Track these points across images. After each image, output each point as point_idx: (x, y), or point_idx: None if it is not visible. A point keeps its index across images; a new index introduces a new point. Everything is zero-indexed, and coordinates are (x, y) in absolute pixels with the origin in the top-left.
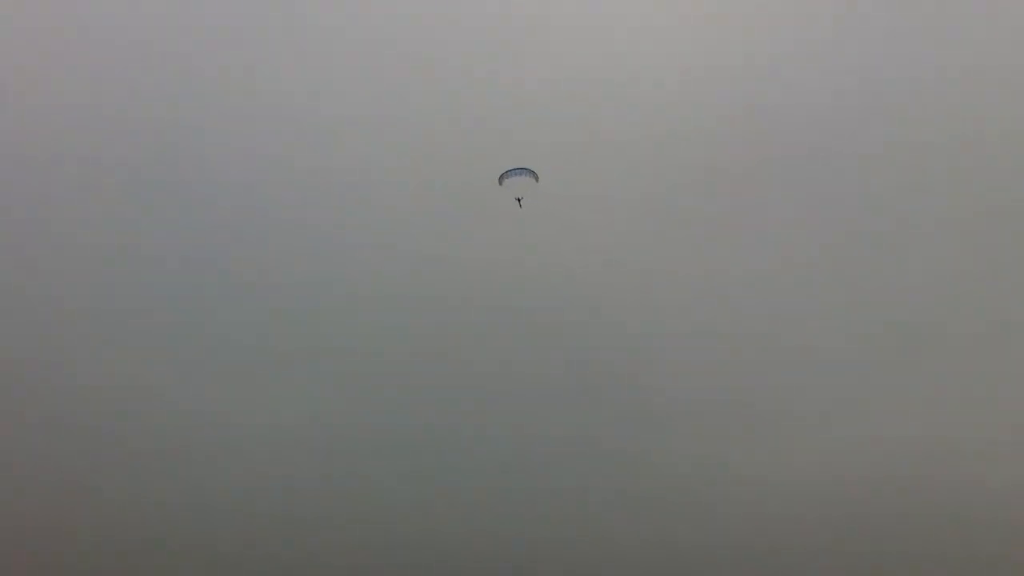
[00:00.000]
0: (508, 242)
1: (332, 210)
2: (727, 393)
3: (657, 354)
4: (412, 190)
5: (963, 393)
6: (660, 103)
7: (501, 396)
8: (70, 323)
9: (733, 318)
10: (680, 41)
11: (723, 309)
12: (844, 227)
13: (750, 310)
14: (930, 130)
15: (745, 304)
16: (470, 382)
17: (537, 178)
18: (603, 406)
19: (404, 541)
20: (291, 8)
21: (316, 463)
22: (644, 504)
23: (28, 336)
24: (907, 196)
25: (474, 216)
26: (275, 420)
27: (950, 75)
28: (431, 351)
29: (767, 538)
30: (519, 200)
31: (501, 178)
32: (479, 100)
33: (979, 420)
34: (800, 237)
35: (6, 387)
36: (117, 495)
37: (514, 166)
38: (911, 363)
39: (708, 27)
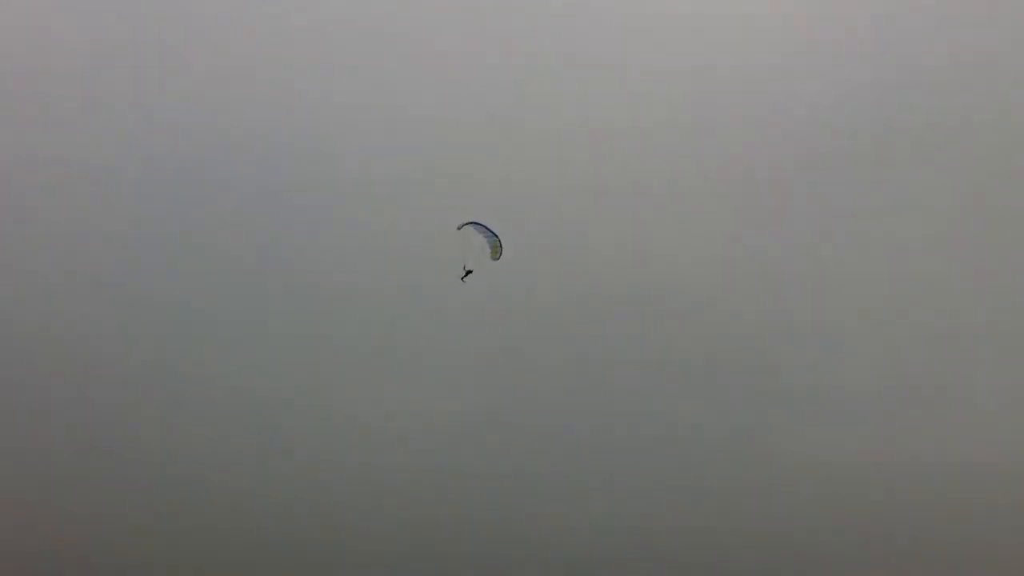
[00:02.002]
0: (630, 236)
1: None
2: (867, 381)
3: (795, 343)
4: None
5: None
6: (767, 90)
7: (640, 387)
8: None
9: (872, 304)
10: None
11: (866, 296)
12: (972, 207)
13: (891, 295)
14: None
15: (888, 289)
16: (603, 374)
17: (495, 244)
18: (742, 394)
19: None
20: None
21: (455, 456)
22: (779, 493)
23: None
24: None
25: (589, 209)
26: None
27: None
28: (562, 346)
29: (915, 525)
30: (466, 272)
31: (464, 227)
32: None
33: None
34: (928, 221)
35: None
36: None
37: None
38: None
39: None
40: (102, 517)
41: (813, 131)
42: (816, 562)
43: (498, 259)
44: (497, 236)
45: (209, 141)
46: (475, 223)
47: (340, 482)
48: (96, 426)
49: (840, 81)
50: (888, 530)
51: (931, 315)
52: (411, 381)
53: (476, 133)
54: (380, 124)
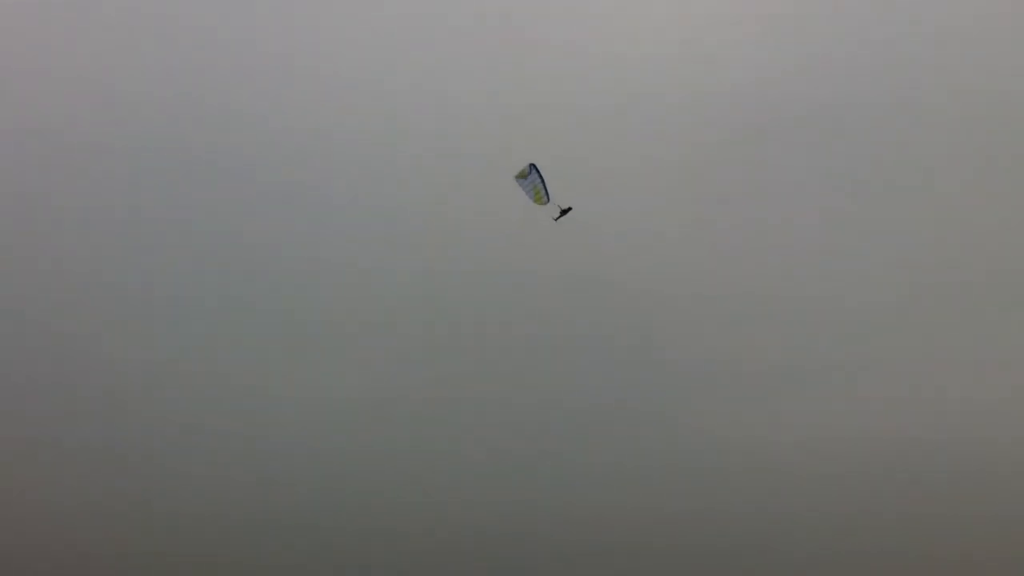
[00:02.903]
0: (530, 212)
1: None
2: (750, 355)
3: (681, 317)
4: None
5: (1000, 353)
6: (688, 72)
7: (531, 362)
8: (130, 304)
9: (758, 279)
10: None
11: (749, 270)
12: (870, 187)
13: (775, 270)
14: (973, 84)
15: (770, 265)
16: (497, 350)
17: (539, 190)
18: (628, 370)
19: (428, 506)
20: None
21: (364, 433)
22: (667, 469)
23: (67, 317)
24: (949, 154)
25: (496, 193)
26: (326, 393)
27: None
28: (459, 322)
29: (788, 501)
30: (561, 211)
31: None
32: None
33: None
34: (828, 198)
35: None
36: (153, 469)
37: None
38: (947, 322)
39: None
40: None
41: (698, 118)
42: (712, 534)
43: (543, 204)
44: (545, 186)
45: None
46: (534, 168)
47: (257, 457)
48: None
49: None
50: (783, 504)
51: (824, 295)
52: (328, 363)
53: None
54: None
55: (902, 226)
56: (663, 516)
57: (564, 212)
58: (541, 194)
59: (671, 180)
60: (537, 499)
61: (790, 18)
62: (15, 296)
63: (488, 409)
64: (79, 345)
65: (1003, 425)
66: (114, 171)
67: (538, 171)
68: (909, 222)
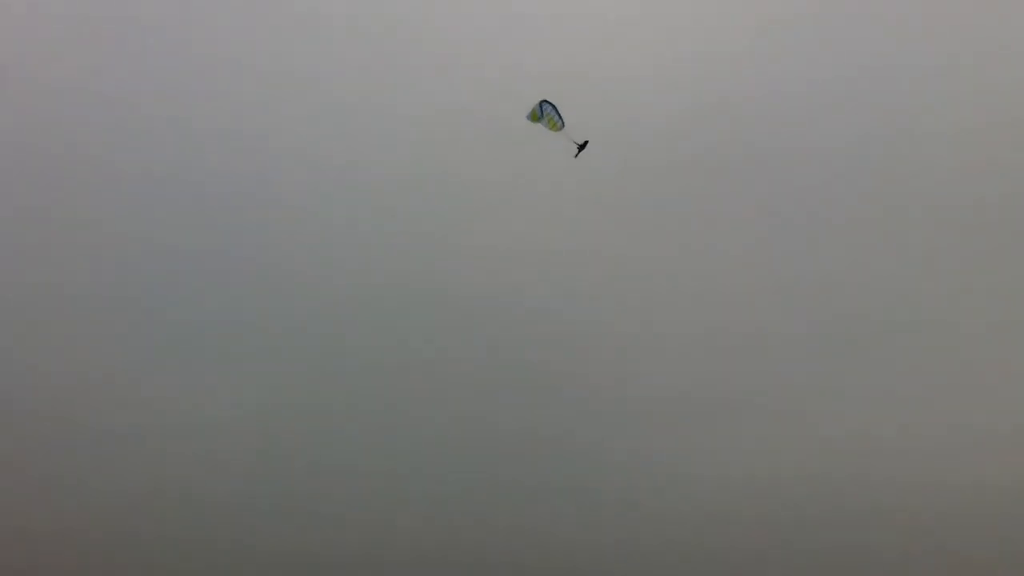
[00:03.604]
0: (472, 233)
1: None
2: (692, 389)
3: (621, 351)
4: (383, 185)
5: (933, 389)
6: (633, 100)
7: (463, 388)
8: (26, 312)
9: (699, 313)
10: (655, 40)
11: (689, 305)
12: (819, 223)
13: (716, 305)
14: (902, 126)
15: (711, 299)
16: (430, 377)
17: (552, 119)
18: (566, 401)
19: (361, 529)
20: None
21: (278, 447)
22: (603, 499)
23: None
24: (879, 192)
25: (443, 208)
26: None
27: (913, 75)
28: (394, 344)
29: (728, 534)
30: (579, 146)
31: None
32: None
33: (954, 417)
34: (771, 232)
35: None
36: (78, 481)
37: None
38: (882, 357)
39: (682, 24)
40: None
41: (639, 150)
42: (637, 564)
43: (557, 131)
44: (559, 114)
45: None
46: (547, 103)
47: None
48: None
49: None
50: (713, 539)
51: (755, 326)
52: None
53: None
54: None
55: (833, 262)
56: (591, 546)
57: (581, 147)
58: (556, 123)
59: (600, 211)
60: (459, 525)
61: (723, 56)
62: None
63: (406, 434)
64: None
65: (936, 463)
66: None
67: (550, 105)
68: (839, 258)
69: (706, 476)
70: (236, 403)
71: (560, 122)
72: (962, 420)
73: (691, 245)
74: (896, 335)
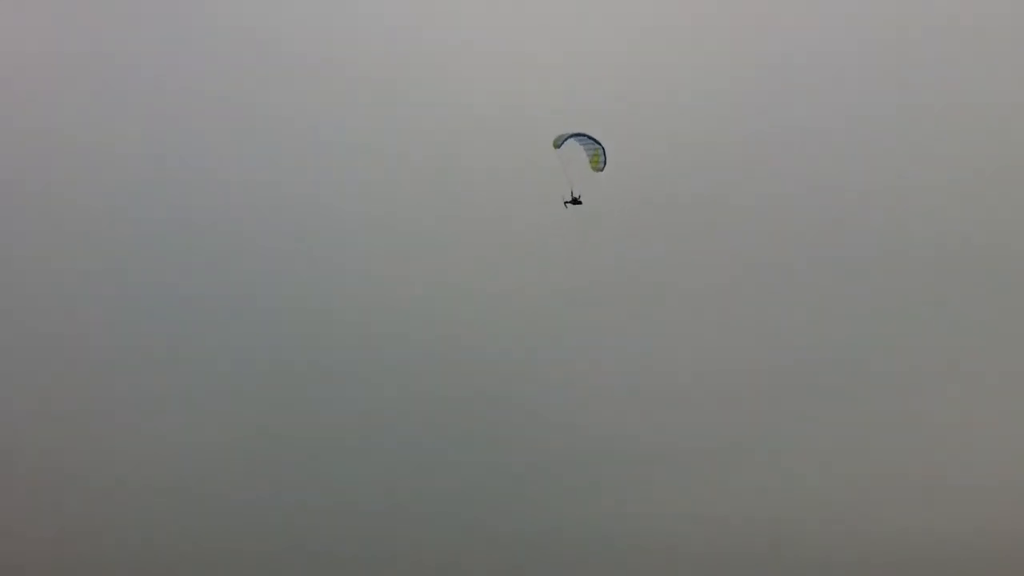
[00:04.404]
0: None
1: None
2: (643, 434)
3: (577, 394)
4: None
5: (868, 440)
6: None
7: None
8: None
9: (653, 359)
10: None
11: (645, 350)
12: (779, 272)
13: (673, 351)
14: (871, 174)
15: (668, 345)
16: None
17: (596, 154)
18: (523, 442)
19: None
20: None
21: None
22: (558, 539)
23: None
24: (841, 243)
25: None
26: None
27: (887, 123)
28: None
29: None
30: (573, 199)
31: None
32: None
33: (882, 467)
34: (732, 281)
35: None
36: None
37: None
38: (819, 406)
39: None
40: None
41: (599, 194)
42: None
43: (601, 170)
44: (599, 143)
45: None
46: (576, 136)
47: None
48: None
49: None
50: None
51: (710, 374)
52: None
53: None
54: None
55: (789, 311)
56: None
57: (574, 201)
58: (599, 155)
59: (561, 254)
60: (411, 560)
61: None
62: None
63: (370, 475)
64: None
65: (884, 512)
66: None
67: (591, 140)
68: (795, 307)
69: (658, 517)
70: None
71: (603, 158)
72: (917, 469)
73: (651, 291)
74: (851, 384)
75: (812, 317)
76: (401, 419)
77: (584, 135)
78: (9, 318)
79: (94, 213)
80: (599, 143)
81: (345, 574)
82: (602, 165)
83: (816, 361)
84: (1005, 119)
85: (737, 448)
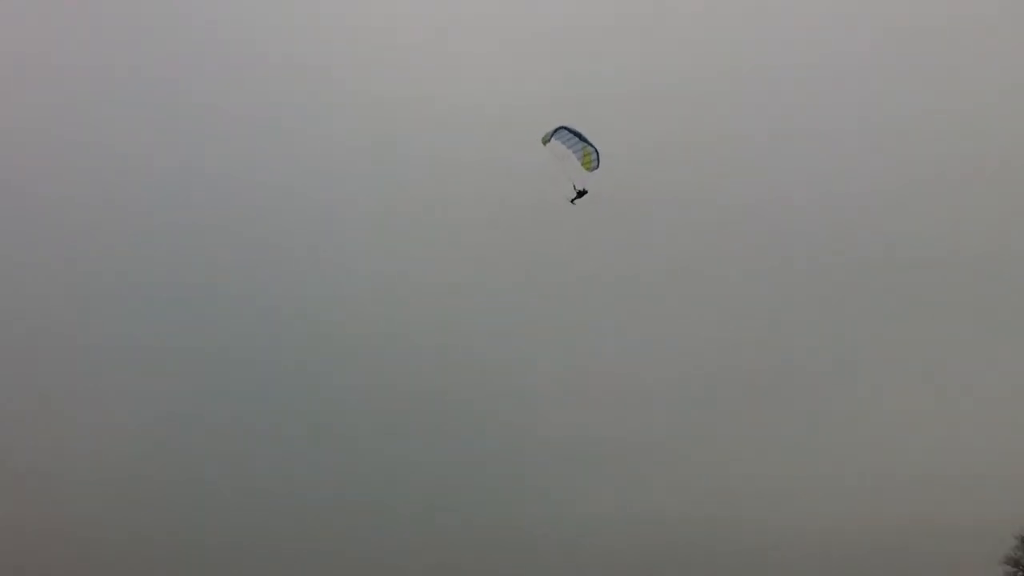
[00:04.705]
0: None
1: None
2: (586, 433)
3: (528, 396)
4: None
5: (796, 438)
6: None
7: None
8: None
9: (570, 358)
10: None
11: (559, 351)
12: (708, 280)
13: (611, 356)
14: (789, 186)
15: (608, 350)
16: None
17: (587, 153)
18: (473, 439)
19: None
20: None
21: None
22: (483, 538)
23: None
24: (760, 242)
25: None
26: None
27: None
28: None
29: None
30: (578, 193)
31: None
32: None
33: (810, 465)
34: (665, 290)
35: None
36: None
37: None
38: (747, 406)
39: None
40: None
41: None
42: None
43: (594, 169)
44: (591, 144)
45: None
46: (565, 129)
47: None
48: None
49: None
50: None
51: (646, 378)
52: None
53: None
54: None
55: (718, 316)
56: None
57: (580, 194)
58: (591, 154)
59: (509, 264)
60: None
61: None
62: None
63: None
64: None
65: (815, 507)
66: None
67: (571, 132)
68: (724, 312)
69: (596, 515)
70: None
71: (595, 156)
72: (841, 467)
73: (592, 299)
74: (777, 387)
75: (756, 321)
76: (348, 416)
77: (568, 129)
78: None
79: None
80: (588, 142)
81: (297, 566)
82: (595, 165)
83: (760, 363)
84: (918, 132)
85: (684, 447)
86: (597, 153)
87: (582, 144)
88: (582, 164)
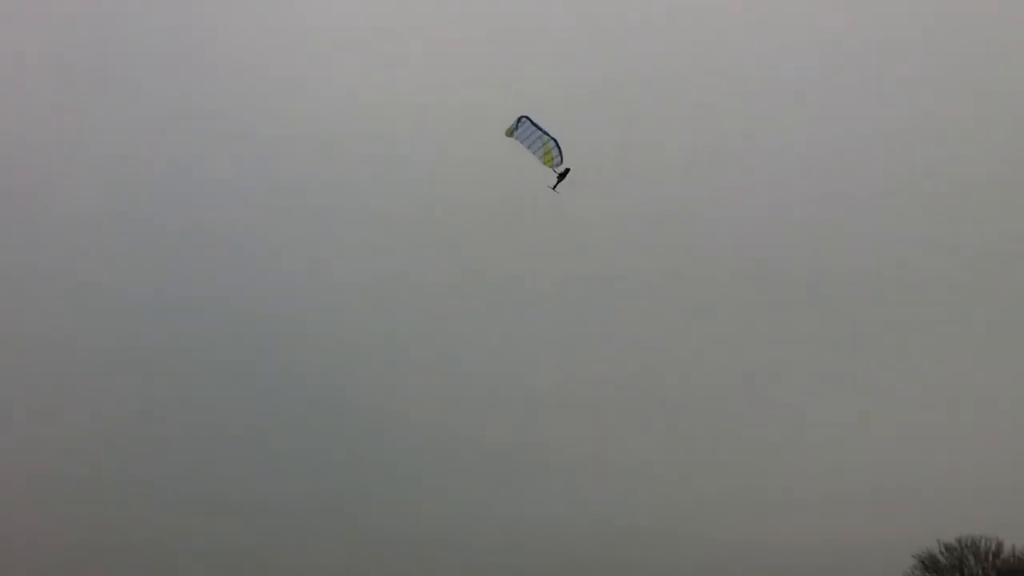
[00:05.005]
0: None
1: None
2: (510, 440)
3: (450, 398)
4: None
5: (703, 453)
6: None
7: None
8: None
9: (475, 363)
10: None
11: (509, 364)
12: (628, 293)
13: (533, 364)
14: (684, 196)
15: (528, 358)
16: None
17: (548, 149)
18: (394, 443)
19: None
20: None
21: None
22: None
23: None
24: (673, 251)
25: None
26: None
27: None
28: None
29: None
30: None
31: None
32: None
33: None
34: (537, 288)
35: None
36: None
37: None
38: (654, 418)
39: None
40: None
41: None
42: None
43: (556, 165)
44: (551, 136)
45: None
46: (526, 119)
47: None
48: None
49: None
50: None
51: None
52: None
53: None
54: None
55: (637, 327)
56: None
57: (561, 176)
58: (552, 151)
59: (430, 272)
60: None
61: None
62: None
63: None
64: None
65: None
66: None
67: (532, 123)
68: (644, 323)
69: (518, 519)
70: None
71: (557, 153)
72: (744, 480)
73: (510, 306)
74: (699, 400)
75: (670, 330)
76: (276, 412)
77: (530, 120)
78: None
79: None
80: (548, 134)
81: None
82: (557, 160)
83: (668, 372)
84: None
85: (591, 455)
86: (558, 145)
87: (542, 139)
88: (543, 161)
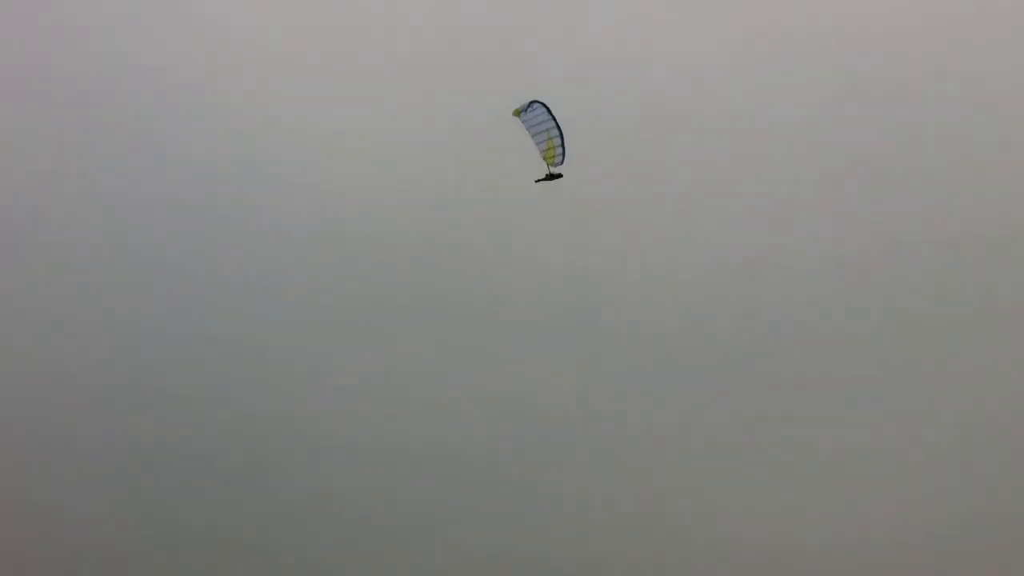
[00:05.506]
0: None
1: None
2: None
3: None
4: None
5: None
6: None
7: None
8: None
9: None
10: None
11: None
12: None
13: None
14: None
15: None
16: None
17: (552, 143)
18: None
19: None
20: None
21: None
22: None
23: None
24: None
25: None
26: None
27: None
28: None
29: None
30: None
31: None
32: None
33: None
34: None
35: None
36: None
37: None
38: (613, 459)
39: None
40: None
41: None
42: None
43: (557, 164)
44: (560, 133)
45: None
46: (539, 103)
47: None
48: None
49: None
50: None
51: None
52: None
53: None
54: None
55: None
56: None
57: (551, 177)
58: (556, 148)
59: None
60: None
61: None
62: None
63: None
64: None
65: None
66: None
67: (546, 108)
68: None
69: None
70: None
71: (560, 152)
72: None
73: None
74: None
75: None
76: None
77: (543, 106)
78: None
79: None
80: (560, 130)
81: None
82: (559, 160)
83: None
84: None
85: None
86: (563, 146)
87: (550, 132)
88: (544, 156)
